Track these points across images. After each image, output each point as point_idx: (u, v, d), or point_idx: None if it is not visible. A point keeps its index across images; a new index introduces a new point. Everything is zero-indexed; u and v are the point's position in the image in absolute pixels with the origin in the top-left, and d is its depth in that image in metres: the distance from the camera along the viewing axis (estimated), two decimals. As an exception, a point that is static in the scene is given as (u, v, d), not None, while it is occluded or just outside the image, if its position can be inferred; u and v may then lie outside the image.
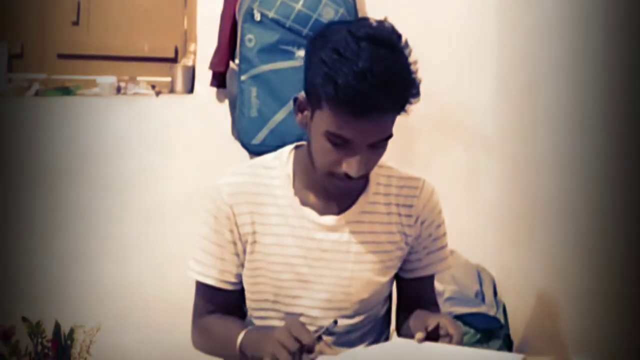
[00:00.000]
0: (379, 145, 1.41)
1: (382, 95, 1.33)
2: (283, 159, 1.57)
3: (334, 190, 1.50)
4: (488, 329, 2.55)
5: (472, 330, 2.52)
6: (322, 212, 1.54)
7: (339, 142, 1.39)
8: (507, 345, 2.60)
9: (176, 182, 2.73)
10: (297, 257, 1.53)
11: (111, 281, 2.70)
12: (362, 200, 1.56)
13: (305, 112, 1.46)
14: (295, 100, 1.48)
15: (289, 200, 1.54)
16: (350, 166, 1.40)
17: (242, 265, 1.57)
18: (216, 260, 1.56)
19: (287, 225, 1.53)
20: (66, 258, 2.68)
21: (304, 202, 1.54)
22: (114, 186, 2.70)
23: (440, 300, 2.56)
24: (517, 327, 2.62)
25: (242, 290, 1.60)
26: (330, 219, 1.54)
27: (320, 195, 1.54)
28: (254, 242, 1.54)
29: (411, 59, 1.40)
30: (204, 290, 1.59)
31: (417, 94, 1.40)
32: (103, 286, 2.69)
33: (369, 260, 1.56)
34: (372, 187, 1.57)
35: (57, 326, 1.49)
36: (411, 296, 1.65)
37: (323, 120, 1.39)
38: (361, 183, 1.55)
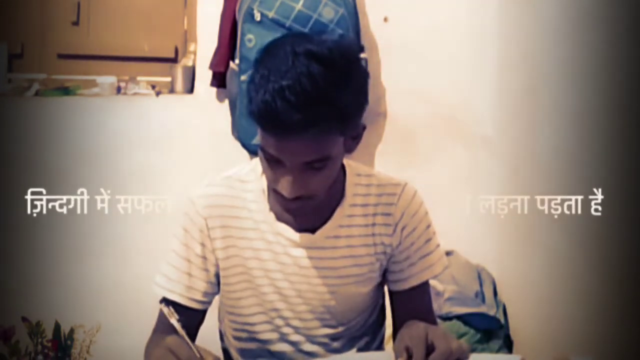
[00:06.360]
0: (318, 166, 1.33)
1: (298, 114, 1.25)
2: (258, 171, 1.51)
3: (287, 212, 1.45)
4: (488, 329, 2.55)
5: (472, 330, 2.53)
6: (298, 227, 1.49)
7: (271, 160, 1.34)
8: (507, 345, 2.60)
9: (176, 182, 2.73)
10: (275, 272, 1.50)
11: (111, 281, 2.71)
12: (338, 213, 1.50)
13: None
14: None
15: (264, 216, 1.49)
16: (282, 186, 1.34)
17: (211, 283, 1.52)
18: (183, 275, 1.50)
19: (263, 240, 1.49)
20: (66, 258, 2.68)
21: (280, 217, 1.49)
22: (113, 186, 2.70)
23: (440, 300, 2.56)
24: (517, 327, 2.62)
25: (205, 312, 1.55)
26: (306, 237, 1.49)
27: None
28: (228, 257, 1.50)
29: (360, 81, 1.33)
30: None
31: (350, 117, 1.33)
32: (103, 286, 2.70)
33: (348, 274, 1.52)
34: (348, 198, 1.51)
35: (57, 326, 1.49)
36: (402, 308, 1.57)
37: (259, 135, 1.34)
38: (316, 201, 1.42)
